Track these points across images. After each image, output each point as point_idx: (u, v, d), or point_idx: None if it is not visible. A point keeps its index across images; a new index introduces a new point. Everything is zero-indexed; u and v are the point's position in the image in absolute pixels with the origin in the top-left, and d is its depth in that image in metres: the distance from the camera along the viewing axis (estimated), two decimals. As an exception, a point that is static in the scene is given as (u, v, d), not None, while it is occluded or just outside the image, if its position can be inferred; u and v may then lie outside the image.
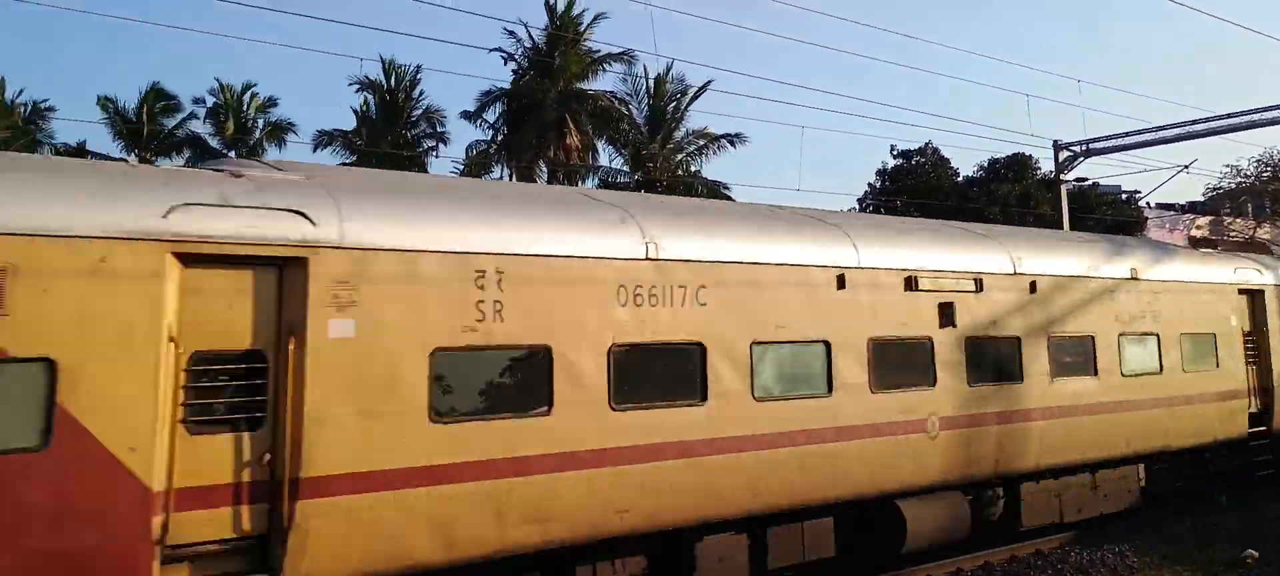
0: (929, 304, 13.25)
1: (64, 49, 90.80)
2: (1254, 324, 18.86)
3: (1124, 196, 49.18)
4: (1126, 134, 33.36)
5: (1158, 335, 16.56)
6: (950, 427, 13.17)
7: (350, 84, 42.73)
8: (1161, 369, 16.55)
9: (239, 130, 41.24)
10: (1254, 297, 18.99)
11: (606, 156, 43.56)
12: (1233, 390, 17.89)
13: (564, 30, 40.62)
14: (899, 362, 12.73)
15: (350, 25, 79.82)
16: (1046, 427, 14.50)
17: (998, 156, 46.49)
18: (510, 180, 41.37)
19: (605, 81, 43.64)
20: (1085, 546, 15.24)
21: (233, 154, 40.99)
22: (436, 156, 43.80)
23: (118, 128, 41.10)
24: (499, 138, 42.45)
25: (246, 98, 41.97)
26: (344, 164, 40.64)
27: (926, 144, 47.30)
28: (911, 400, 12.77)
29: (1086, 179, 40.99)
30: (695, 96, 42.99)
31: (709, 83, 44.36)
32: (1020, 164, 45.97)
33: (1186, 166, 35.39)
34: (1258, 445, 18.67)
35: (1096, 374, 15.47)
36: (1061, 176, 35.36)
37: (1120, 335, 15.89)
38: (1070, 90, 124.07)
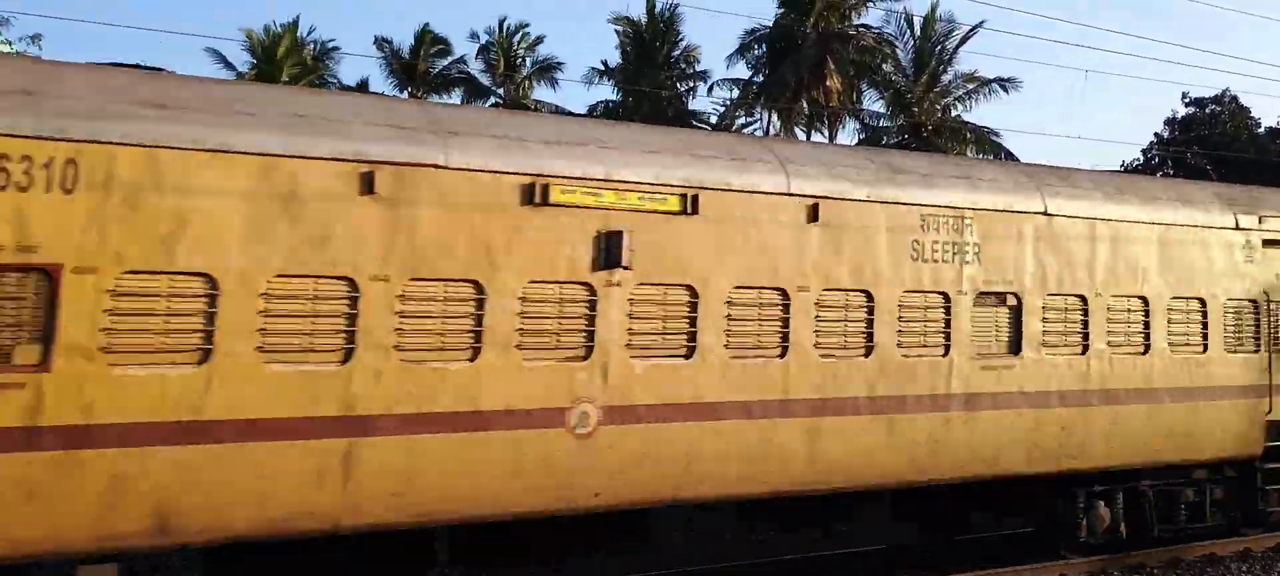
0: None
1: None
2: None
3: None
4: None
5: None
6: None
7: (609, 21, 42.99)
8: None
9: (508, 68, 42.35)
10: None
11: (869, 100, 42.21)
12: None
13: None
14: None
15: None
16: None
17: (1307, 106, 42.09)
18: (769, 123, 40.67)
19: (870, 19, 42.14)
20: None
21: (501, 91, 42.33)
22: (694, 98, 43.61)
23: (392, 66, 43.10)
24: (756, 79, 41.74)
25: (516, 38, 43.00)
26: (609, 102, 41.08)
27: (1223, 92, 43.56)
28: None
29: None
30: (966, 37, 40.86)
31: (982, 23, 42.13)
32: (1334, 114, 41.37)
33: None
34: None
35: None
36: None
37: None
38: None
